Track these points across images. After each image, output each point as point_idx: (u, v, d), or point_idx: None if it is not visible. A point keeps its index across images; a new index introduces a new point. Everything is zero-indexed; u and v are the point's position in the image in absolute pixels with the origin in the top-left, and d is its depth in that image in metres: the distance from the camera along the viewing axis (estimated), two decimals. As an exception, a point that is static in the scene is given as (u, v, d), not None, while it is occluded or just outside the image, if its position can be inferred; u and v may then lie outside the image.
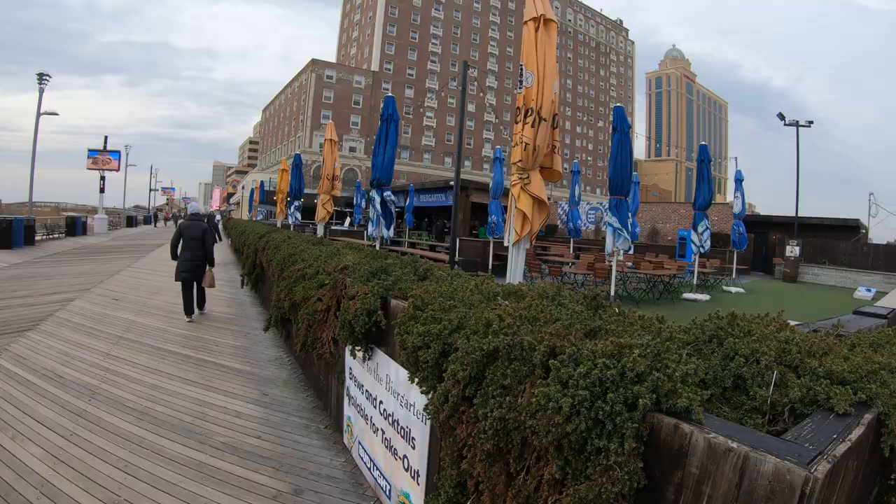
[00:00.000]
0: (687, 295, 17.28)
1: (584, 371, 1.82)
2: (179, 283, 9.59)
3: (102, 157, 39.23)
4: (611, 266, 14.46)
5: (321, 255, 5.86)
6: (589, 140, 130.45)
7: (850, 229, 33.55)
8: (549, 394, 1.82)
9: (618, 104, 13.17)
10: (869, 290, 21.66)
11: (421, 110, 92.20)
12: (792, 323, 9.38)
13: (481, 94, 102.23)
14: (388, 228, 11.98)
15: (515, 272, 6.91)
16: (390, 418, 3.69)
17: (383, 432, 3.84)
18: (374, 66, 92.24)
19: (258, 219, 40.13)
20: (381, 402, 3.87)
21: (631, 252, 26.87)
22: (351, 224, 35.91)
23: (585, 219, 38.35)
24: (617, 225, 12.92)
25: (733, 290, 20.38)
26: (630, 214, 25.42)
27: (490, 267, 18.84)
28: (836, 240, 31.20)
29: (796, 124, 34.59)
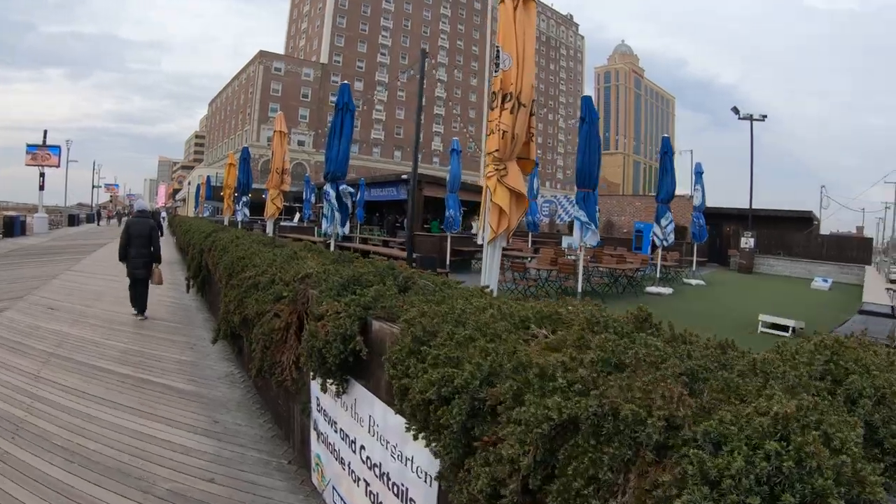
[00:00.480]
0: (650, 288, 17.09)
1: (742, 464, 1.18)
2: (126, 283, 9.66)
3: (42, 153, 37.06)
4: (576, 261, 14.10)
5: (276, 259, 5.15)
6: (538, 133, 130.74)
7: (803, 221, 34.24)
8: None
9: (586, 94, 12.76)
10: (826, 280, 21.90)
11: (370, 103, 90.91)
12: (776, 321, 9.00)
13: (435, 86, 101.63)
14: (343, 225, 11.31)
15: (491, 273, 6.42)
16: (377, 469, 2.96)
17: (367, 484, 3.09)
18: (324, 59, 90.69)
19: (205, 215, 38.67)
20: (362, 448, 3.14)
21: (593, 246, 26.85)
22: (301, 220, 34.90)
23: (540, 212, 38.14)
24: (585, 219, 12.56)
25: (694, 282, 20.38)
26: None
27: (447, 263, 18.26)
28: (790, 231, 31.73)
29: (750, 118, 35.38)
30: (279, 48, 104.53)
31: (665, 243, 17.97)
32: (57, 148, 37.89)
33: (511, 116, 5.77)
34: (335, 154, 10.90)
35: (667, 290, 17.06)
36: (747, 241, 28.78)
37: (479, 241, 7.10)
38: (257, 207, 26.09)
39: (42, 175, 36.18)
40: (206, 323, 9.16)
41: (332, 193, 11.00)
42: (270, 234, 15.89)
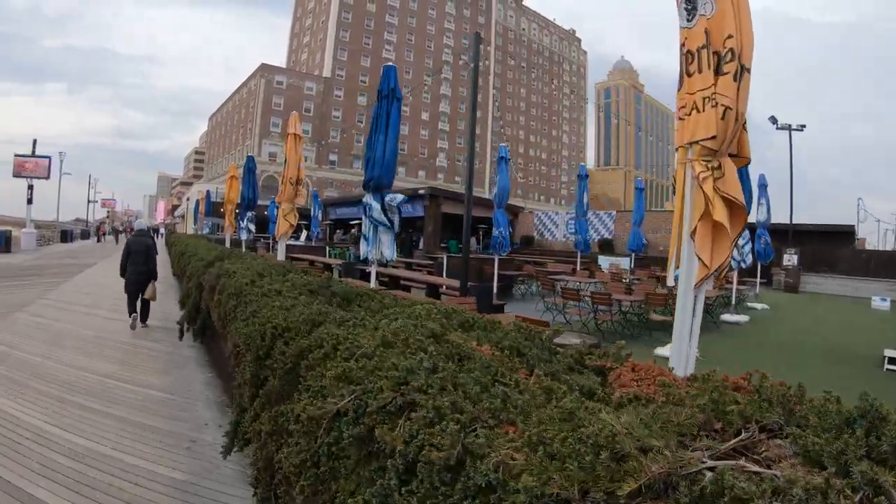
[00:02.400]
0: (726, 316, 14.77)
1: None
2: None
3: (30, 163, 34.48)
4: (669, 294, 11.69)
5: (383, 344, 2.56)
6: (542, 149, 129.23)
7: (845, 235, 31.94)
8: None
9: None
10: (884, 300, 20.36)
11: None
12: None
13: (439, 102, 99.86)
14: (391, 249, 8.79)
15: (689, 337, 4.09)
16: None
17: None
18: (326, 73, 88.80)
19: (204, 232, 36.11)
20: None
21: (626, 267, 24.46)
22: (308, 238, 32.26)
23: (566, 229, 35.65)
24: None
25: (759, 306, 17.96)
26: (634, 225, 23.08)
27: (494, 292, 15.61)
28: (831, 247, 29.39)
29: (788, 128, 34.00)
30: (280, 63, 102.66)
31: (743, 265, 15.56)
32: (47, 157, 35.27)
33: (734, 86, 3.72)
34: (380, 154, 8.39)
35: (743, 318, 14.83)
36: (790, 258, 26.60)
37: (671, 283, 4.81)
38: (260, 224, 23.67)
39: (30, 187, 33.60)
40: (208, 391, 6.52)
41: (377, 207, 8.47)
42: (280, 256, 13.45)
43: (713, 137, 3.76)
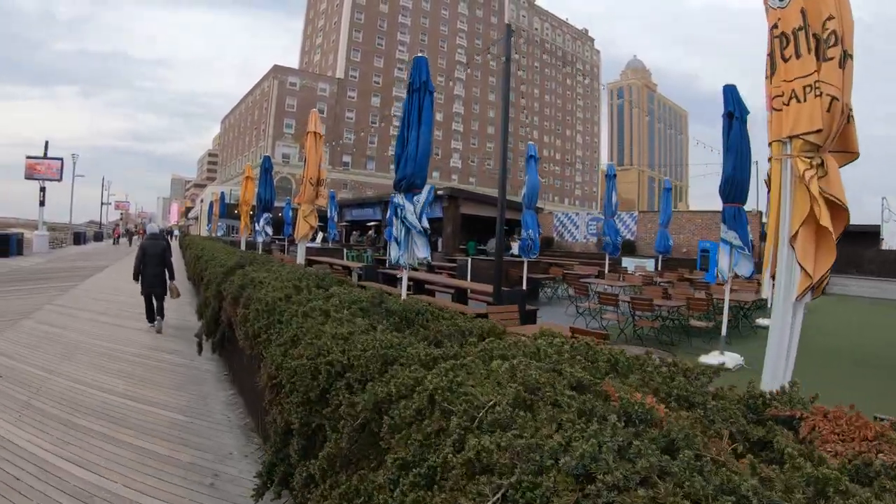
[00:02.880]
0: (762, 321, 13.93)
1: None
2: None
3: (42, 165, 34.06)
4: (709, 299, 10.96)
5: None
6: (556, 150, 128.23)
7: (869, 236, 30.93)
8: None
9: (729, 83, 9.54)
10: None
11: (387, 119, 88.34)
12: None
13: (452, 102, 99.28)
14: (425, 249, 8.12)
15: (787, 357, 3.49)
16: None
17: None
18: (340, 74, 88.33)
19: (218, 234, 35.61)
20: None
21: (651, 270, 23.66)
22: (325, 240, 31.61)
23: (586, 230, 34.83)
24: (737, 242, 9.29)
25: None
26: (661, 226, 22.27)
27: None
28: (856, 248, 28.46)
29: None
30: (292, 65, 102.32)
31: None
32: (59, 159, 34.84)
33: (839, 73, 3.26)
34: (413, 151, 7.72)
35: None
36: (815, 259, 25.74)
37: (766, 294, 4.14)
38: (274, 226, 23.09)
39: (42, 190, 33.19)
40: (230, 410, 5.90)
41: (410, 208, 7.81)
42: (300, 260, 12.87)
43: (818, 131, 3.17)
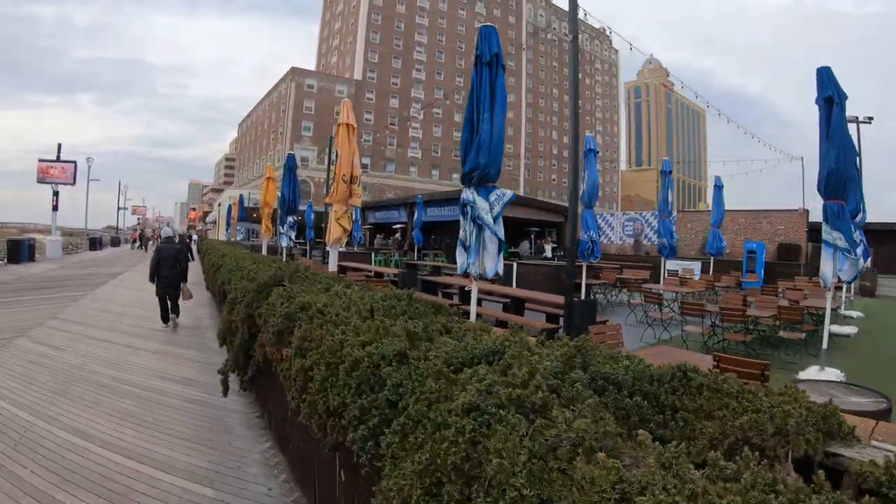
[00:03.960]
0: (834, 328, 12.28)
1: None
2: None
3: (54, 168, 32.77)
4: (802, 309, 9.32)
5: None
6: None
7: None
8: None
9: (823, 66, 7.99)
10: None
11: (407, 120, 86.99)
12: None
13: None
14: (498, 260, 6.59)
15: None
16: None
17: None
18: (357, 75, 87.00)
19: (238, 238, 34.24)
20: None
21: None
22: (349, 244, 30.10)
23: (622, 231, 33.10)
24: (842, 243, 7.73)
25: (854, 314, 15.45)
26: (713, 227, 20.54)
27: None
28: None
29: (856, 121, 31.11)
30: (309, 68, 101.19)
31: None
32: (72, 162, 33.57)
33: None
34: (486, 136, 6.17)
35: (852, 330, 12.34)
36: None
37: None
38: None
39: (56, 194, 31.98)
40: (269, 473, 4.35)
41: (482, 205, 6.27)
42: (332, 266, 11.38)
43: None
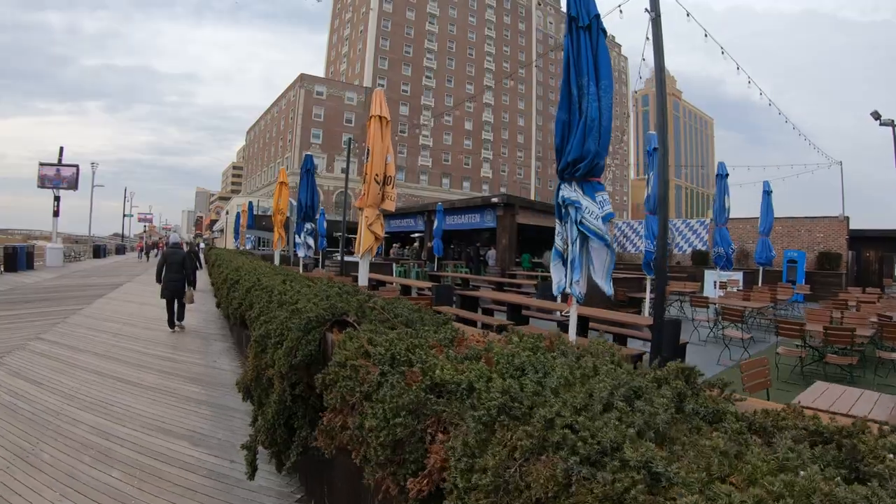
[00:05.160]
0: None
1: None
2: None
3: (55, 173, 31.12)
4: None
5: None
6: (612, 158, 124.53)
7: None
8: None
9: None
10: None
11: (417, 130, 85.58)
12: None
13: (482, 111, 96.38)
14: (607, 277, 5.02)
15: None
16: None
17: None
18: (367, 82, 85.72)
19: (247, 247, 32.61)
20: None
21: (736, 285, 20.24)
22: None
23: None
24: None
25: None
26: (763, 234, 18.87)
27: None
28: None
29: (892, 123, 29.52)
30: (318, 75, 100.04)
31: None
32: (74, 165, 31.94)
33: None
34: (594, 117, 4.76)
35: None
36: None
37: None
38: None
39: (57, 199, 30.37)
40: None
41: (591, 207, 4.79)
42: (363, 280, 9.81)
43: None
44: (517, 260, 27.00)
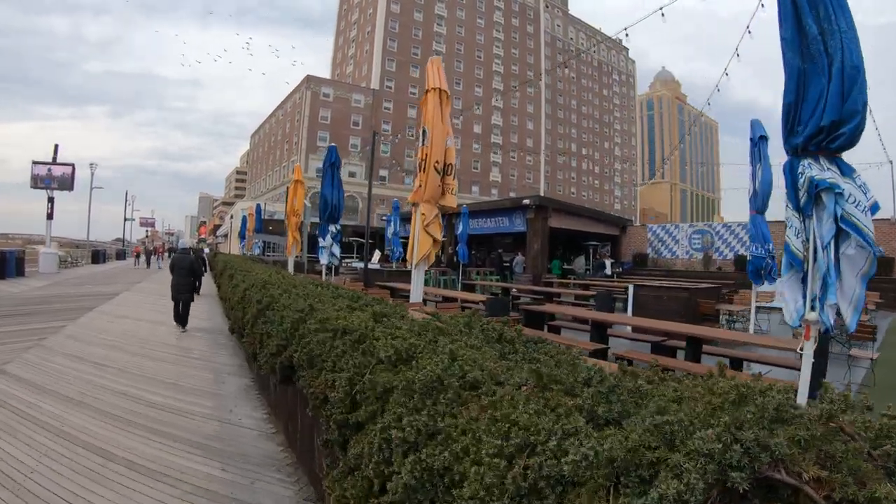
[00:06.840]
0: None
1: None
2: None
3: (46, 172, 28.80)
4: None
5: None
6: (595, 162, 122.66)
7: None
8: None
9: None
10: None
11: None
12: None
13: (491, 114, 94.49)
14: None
15: None
16: None
17: None
18: (374, 84, 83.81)
19: (254, 253, 30.34)
20: None
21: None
22: (387, 259, 26.06)
23: (689, 245, 29.11)
24: None
25: None
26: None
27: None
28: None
29: None
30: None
31: None
32: (69, 164, 29.69)
33: None
34: (855, 60, 2.63)
35: None
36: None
37: None
38: (313, 245, 18.31)
39: (51, 200, 28.03)
40: None
41: (858, 195, 2.76)
42: (416, 297, 7.65)
43: None
44: (547, 266, 24.84)
